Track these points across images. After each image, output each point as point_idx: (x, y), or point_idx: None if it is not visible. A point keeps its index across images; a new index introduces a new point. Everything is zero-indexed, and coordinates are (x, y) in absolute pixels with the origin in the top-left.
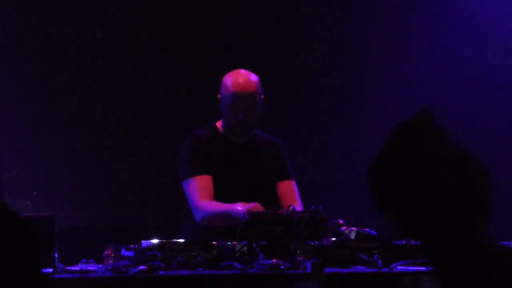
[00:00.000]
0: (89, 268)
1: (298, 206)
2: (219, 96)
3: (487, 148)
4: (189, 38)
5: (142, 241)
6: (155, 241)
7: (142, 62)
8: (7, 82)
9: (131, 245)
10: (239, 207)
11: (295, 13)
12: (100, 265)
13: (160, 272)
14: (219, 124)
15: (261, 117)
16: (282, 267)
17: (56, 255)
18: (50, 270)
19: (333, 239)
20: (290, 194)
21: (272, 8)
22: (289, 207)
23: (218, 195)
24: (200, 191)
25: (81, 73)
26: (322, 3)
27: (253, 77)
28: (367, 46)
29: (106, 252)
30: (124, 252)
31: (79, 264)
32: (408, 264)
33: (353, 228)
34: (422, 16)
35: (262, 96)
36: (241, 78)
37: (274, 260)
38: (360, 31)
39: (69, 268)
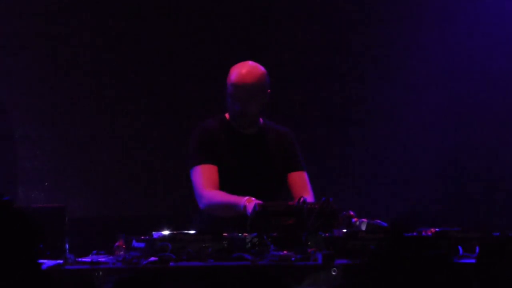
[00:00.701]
0: (100, 259)
1: (310, 197)
2: (227, 94)
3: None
4: (196, 30)
5: (153, 232)
6: (165, 232)
7: (147, 56)
8: (22, 77)
9: (142, 237)
10: (245, 200)
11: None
12: (111, 257)
13: (170, 264)
14: (227, 115)
15: (271, 109)
16: (292, 258)
17: (67, 246)
18: (61, 261)
19: (344, 230)
20: (302, 185)
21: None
22: (300, 198)
23: (226, 185)
24: (205, 179)
25: (91, 69)
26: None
27: (257, 69)
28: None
29: (117, 244)
30: (135, 244)
31: (90, 255)
32: None
33: (363, 220)
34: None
35: (269, 90)
36: (244, 69)
37: (285, 252)
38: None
39: (80, 259)
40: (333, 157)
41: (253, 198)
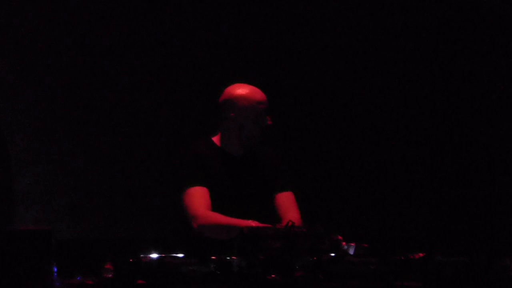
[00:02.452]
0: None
1: (297, 219)
2: (231, 114)
3: None
4: (187, 52)
5: (141, 255)
6: (153, 255)
7: (139, 72)
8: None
9: (130, 259)
10: (249, 223)
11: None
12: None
13: None
14: (215, 138)
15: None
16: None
17: (55, 270)
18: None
19: (332, 254)
20: (289, 205)
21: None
22: (288, 221)
23: (218, 208)
24: (198, 201)
25: (81, 86)
26: None
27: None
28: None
29: (105, 266)
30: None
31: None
32: None
33: (352, 244)
34: None
35: None
36: (253, 88)
37: (272, 276)
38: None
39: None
40: (322, 178)
41: (256, 222)
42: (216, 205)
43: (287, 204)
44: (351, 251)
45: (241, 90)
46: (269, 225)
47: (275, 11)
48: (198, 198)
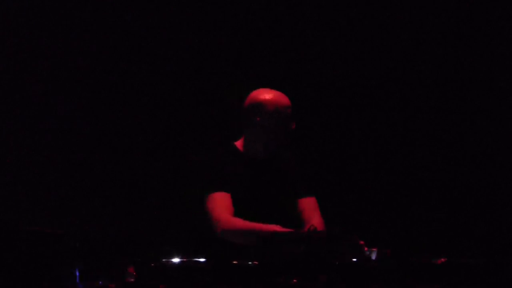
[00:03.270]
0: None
1: (319, 224)
2: (258, 118)
3: None
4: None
5: (163, 259)
6: (175, 259)
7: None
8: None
9: (152, 264)
10: (274, 227)
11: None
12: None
13: None
14: (238, 143)
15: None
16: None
17: (78, 273)
18: None
19: (354, 259)
20: (311, 211)
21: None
22: (310, 226)
23: (241, 213)
24: (222, 206)
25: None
26: None
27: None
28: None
29: (127, 270)
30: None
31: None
32: None
33: (374, 249)
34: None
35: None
36: (279, 93)
37: (295, 281)
38: None
39: None
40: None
41: (279, 226)
42: (239, 210)
43: (309, 209)
44: (374, 256)
45: (267, 95)
46: (292, 230)
47: (300, 16)
48: (220, 203)
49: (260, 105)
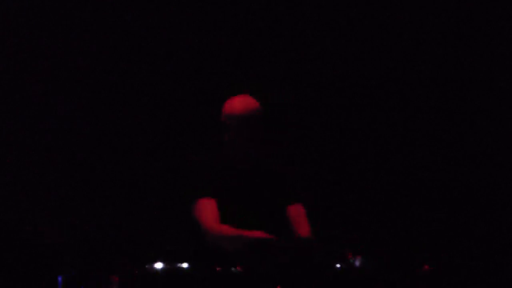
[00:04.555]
0: None
1: (306, 231)
2: (226, 136)
3: None
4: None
5: (146, 265)
6: (159, 265)
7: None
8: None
9: (135, 271)
10: (259, 234)
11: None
12: None
13: None
14: (223, 151)
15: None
16: None
17: (60, 279)
18: None
19: (338, 265)
20: (299, 218)
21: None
22: (295, 234)
23: (228, 220)
24: (209, 213)
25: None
26: None
27: (247, 101)
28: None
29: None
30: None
31: None
32: None
33: (358, 256)
34: None
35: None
36: (238, 102)
37: (278, 287)
38: None
39: None
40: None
41: (263, 233)
42: (225, 217)
43: (296, 216)
44: (357, 263)
45: (228, 107)
46: (276, 237)
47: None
48: (207, 210)
49: (225, 121)
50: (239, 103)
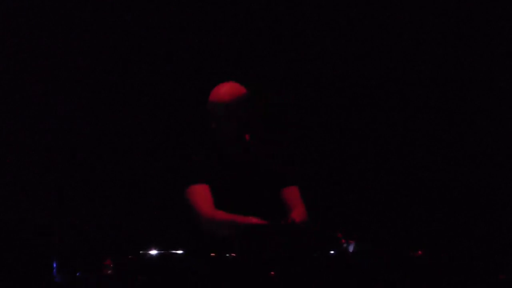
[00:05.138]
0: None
1: (301, 214)
2: (212, 124)
3: None
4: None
5: (140, 251)
6: (153, 251)
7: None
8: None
9: (129, 256)
10: (252, 219)
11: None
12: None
13: None
14: (212, 139)
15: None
16: None
17: (55, 265)
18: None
19: (332, 252)
20: (294, 200)
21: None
22: (288, 219)
23: (222, 206)
24: (203, 198)
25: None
26: None
27: (235, 88)
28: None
29: (104, 262)
30: None
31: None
32: None
33: (351, 241)
34: None
35: (250, 109)
36: (216, 89)
37: (273, 273)
38: None
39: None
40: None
41: (256, 219)
42: (220, 203)
43: (291, 199)
44: (351, 249)
45: (213, 95)
46: (269, 222)
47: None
48: (201, 196)
49: (211, 111)
50: (224, 90)
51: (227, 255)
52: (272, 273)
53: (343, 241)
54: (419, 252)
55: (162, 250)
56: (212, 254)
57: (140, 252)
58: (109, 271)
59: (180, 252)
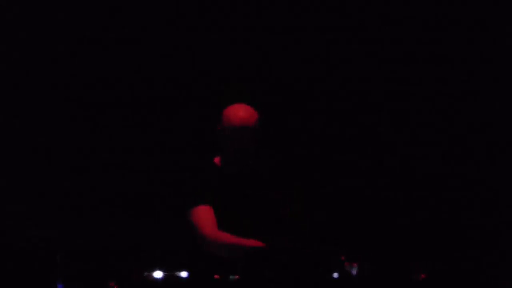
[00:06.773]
0: None
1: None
2: (222, 144)
3: None
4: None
5: (145, 273)
6: (157, 273)
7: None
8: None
9: (134, 278)
10: (252, 243)
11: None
12: None
13: None
14: (217, 159)
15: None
16: None
17: (60, 287)
18: None
19: (335, 274)
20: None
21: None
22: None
23: (221, 227)
24: (206, 220)
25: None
26: None
27: (251, 111)
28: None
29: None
30: None
31: None
32: None
33: (354, 264)
34: None
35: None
36: (232, 112)
37: None
38: None
39: None
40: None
41: (260, 242)
42: (222, 224)
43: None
44: (354, 272)
45: (225, 117)
46: (271, 244)
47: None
48: (204, 217)
49: (222, 132)
50: (245, 115)
51: (231, 276)
52: None
53: (346, 264)
54: (422, 275)
55: (166, 272)
56: (215, 276)
57: (145, 274)
58: None
59: (184, 273)
